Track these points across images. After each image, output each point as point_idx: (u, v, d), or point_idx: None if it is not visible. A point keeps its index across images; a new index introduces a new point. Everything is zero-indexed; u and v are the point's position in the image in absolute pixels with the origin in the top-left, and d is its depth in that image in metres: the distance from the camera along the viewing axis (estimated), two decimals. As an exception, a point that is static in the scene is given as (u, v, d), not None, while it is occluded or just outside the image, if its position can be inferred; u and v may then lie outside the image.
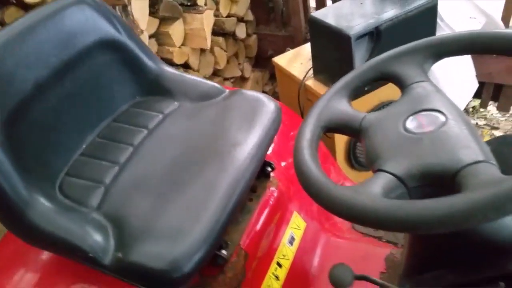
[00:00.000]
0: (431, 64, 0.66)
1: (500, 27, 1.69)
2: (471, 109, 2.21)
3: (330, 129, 0.65)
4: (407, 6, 1.39)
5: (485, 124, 2.13)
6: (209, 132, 0.95)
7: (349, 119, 0.63)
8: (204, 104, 1.05)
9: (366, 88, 1.36)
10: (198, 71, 1.85)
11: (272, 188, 1.09)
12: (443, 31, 1.59)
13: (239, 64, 2.16)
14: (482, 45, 0.61)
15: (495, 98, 2.04)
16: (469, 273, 0.58)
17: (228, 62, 2.04)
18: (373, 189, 0.50)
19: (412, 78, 0.62)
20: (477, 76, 1.85)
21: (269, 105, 1.00)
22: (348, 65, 1.34)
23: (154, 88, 1.06)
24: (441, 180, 0.49)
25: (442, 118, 0.54)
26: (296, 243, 1.14)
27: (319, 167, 0.57)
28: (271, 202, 1.07)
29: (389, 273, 1.07)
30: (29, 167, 0.81)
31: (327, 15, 1.42)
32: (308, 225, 1.20)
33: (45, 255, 0.92)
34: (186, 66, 1.80)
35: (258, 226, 1.02)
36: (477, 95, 2.06)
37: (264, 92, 2.34)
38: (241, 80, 2.21)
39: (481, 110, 2.20)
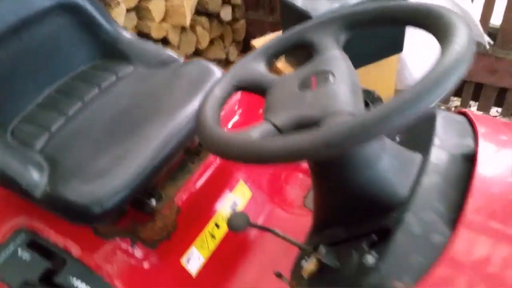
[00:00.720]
0: (345, 35, 0.71)
1: (475, 24, 1.71)
2: (453, 108, 2.23)
3: (241, 87, 0.71)
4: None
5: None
6: (155, 94, 1.03)
7: (260, 79, 0.69)
8: (158, 71, 1.13)
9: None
10: (178, 48, 1.92)
11: (216, 154, 1.16)
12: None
13: (224, 47, 2.22)
14: (390, 17, 0.65)
15: (476, 98, 2.05)
16: (353, 229, 0.64)
17: (212, 43, 2.11)
18: (250, 133, 0.57)
19: (325, 47, 0.68)
20: (455, 73, 1.87)
21: (216, 73, 1.07)
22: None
23: (113, 52, 1.15)
24: (308, 127, 0.55)
25: (331, 79, 0.60)
26: (238, 209, 1.22)
27: (213, 114, 0.63)
28: (213, 166, 1.15)
29: None
30: None
31: (299, -2, 1.48)
32: (254, 195, 1.28)
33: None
34: (165, 42, 1.87)
35: (197, 186, 1.10)
36: (458, 94, 2.08)
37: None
38: (226, 63, 2.28)
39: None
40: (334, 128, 0.46)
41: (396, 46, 1.65)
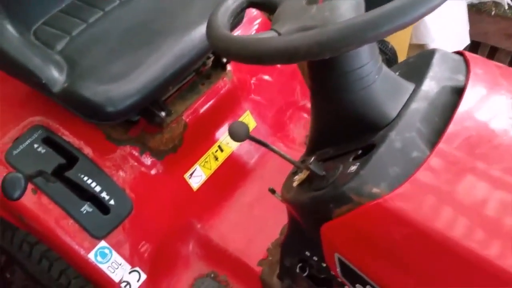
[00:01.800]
0: None
1: None
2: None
3: (253, 3, 0.74)
4: None
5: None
6: (172, 11, 1.06)
7: None
8: None
9: None
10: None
11: (226, 79, 1.20)
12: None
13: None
14: None
15: (489, 62, 2.04)
16: (343, 148, 0.69)
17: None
18: (255, 37, 0.61)
19: None
20: (471, 34, 1.86)
21: None
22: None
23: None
24: None
25: None
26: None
27: (223, 20, 0.67)
28: (222, 91, 1.19)
29: None
30: (8, 5, 0.94)
31: None
32: (258, 126, 1.33)
33: (15, 90, 1.07)
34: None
35: (204, 108, 1.15)
36: (472, 56, 2.07)
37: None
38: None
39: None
40: (326, 28, 0.50)
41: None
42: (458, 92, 0.66)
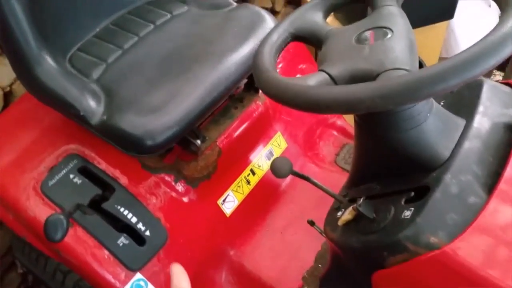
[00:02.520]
0: None
1: None
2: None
3: (298, 36, 0.72)
4: None
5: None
6: (207, 35, 1.04)
7: (317, 29, 0.70)
8: (211, 12, 1.12)
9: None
10: (225, -6, 1.89)
11: (259, 102, 1.18)
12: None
13: (271, -6, 2.17)
14: None
15: (520, 73, 1.99)
16: (392, 186, 0.67)
17: (258, -10, 2.06)
18: (306, 81, 0.58)
19: (383, 2, 0.67)
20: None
21: (269, 21, 1.07)
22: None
23: (169, -10, 1.15)
24: (363, 80, 0.56)
25: (389, 34, 0.61)
26: (273, 158, 1.25)
27: (270, 59, 0.65)
28: (255, 114, 1.17)
29: None
30: (46, 33, 0.93)
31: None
32: (289, 147, 1.31)
33: (51, 117, 1.06)
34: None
35: (238, 132, 1.13)
36: (501, 68, 2.02)
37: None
38: (272, 13, 2.23)
39: (506, 85, 2.16)
40: (391, 81, 0.47)
41: (447, 13, 1.59)
42: (511, 129, 0.63)
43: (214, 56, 0.98)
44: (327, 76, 0.59)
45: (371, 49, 0.59)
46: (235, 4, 1.16)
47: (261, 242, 1.15)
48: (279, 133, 1.28)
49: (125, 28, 1.08)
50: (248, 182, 1.19)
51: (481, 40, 0.47)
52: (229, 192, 1.14)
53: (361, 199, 0.64)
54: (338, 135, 1.46)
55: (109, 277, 0.91)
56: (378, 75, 0.56)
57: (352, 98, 0.49)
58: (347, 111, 0.51)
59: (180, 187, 1.05)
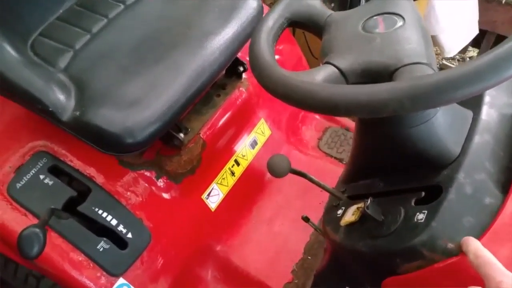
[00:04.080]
0: None
1: None
2: (468, 58, 2.18)
3: (295, 22, 0.64)
4: None
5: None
6: (184, 17, 0.95)
7: (316, 14, 0.63)
8: None
9: None
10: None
11: (242, 89, 1.11)
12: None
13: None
14: None
15: (493, 51, 2.00)
16: (397, 183, 0.62)
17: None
18: (314, 76, 0.52)
19: None
20: (479, 23, 1.80)
21: (251, 2, 0.98)
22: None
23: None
24: (380, 77, 0.51)
25: (400, 21, 0.55)
26: (257, 147, 1.19)
27: (270, 50, 0.58)
28: (238, 102, 1.10)
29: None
30: (2, 17, 0.82)
31: None
32: (273, 134, 1.25)
33: (14, 111, 0.95)
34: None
35: (221, 122, 1.06)
36: (476, 44, 2.02)
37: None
38: None
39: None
40: (421, 81, 0.41)
41: (427, -11, 1.56)
42: None
43: (194, 41, 0.90)
44: (336, 70, 0.53)
45: (383, 39, 0.53)
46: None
47: (248, 236, 1.11)
48: (262, 120, 1.22)
49: (92, 9, 0.97)
50: (233, 174, 1.13)
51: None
52: (214, 185, 1.08)
53: (369, 200, 0.59)
54: (320, 119, 1.42)
55: (90, 284, 0.84)
56: (396, 70, 0.50)
57: (376, 101, 0.43)
58: (369, 115, 0.45)
59: (162, 183, 0.97)
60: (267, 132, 1.23)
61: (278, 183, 1.21)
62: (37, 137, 0.91)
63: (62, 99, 0.80)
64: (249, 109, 1.16)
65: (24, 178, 0.86)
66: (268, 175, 1.21)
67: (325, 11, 0.63)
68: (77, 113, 0.79)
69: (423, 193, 0.56)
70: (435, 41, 1.78)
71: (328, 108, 0.46)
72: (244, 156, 1.16)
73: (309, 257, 1.09)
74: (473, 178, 0.53)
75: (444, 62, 2.17)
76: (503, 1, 1.77)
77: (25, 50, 0.87)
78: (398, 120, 0.55)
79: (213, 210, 1.07)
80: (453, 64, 2.18)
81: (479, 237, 0.49)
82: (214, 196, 1.08)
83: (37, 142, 0.91)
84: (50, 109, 0.79)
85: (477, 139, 0.56)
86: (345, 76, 0.53)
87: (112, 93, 0.81)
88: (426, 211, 0.53)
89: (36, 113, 0.82)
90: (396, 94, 0.42)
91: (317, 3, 0.65)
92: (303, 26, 0.66)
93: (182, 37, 0.91)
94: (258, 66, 0.54)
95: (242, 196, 1.14)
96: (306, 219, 0.91)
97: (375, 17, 0.58)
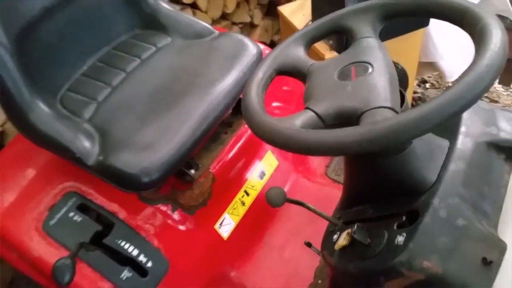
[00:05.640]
0: (382, 23, 0.74)
1: (495, 5, 1.69)
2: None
3: (282, 71, 0.74)
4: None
5: (485, 96, 2.16)
6: (192, 67, 1.07)
7: (300, 64, 0.72)
8: (194, 42, 1.16)
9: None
10: (206, 12, 1.92)
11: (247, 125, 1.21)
12: None
13: (249, 10, 2.21)
14: (426, 10, 0.68)
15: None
16: (383, 209, 0.70)
17: (238, 6, 2.10)
18: (294, 121, 0.61)
19: (361, 34, 0.70)
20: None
21: (252, 49, 1.10)
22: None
23: (151, 23, 1.18)
24: (350, 120, 0.59)
25: (369, 69, 0.63)
26: (266, 177, 1.29)
27: (259, 100, 0.67)
28: (244, 137, 1.21)
29: None
30: (35, 78, 0.96)
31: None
32: (280, 164, 1.34)
33: (46, 156, 1.09)
34: (194, 7, 1.88)
35: (229, 156, 1.17)
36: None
37: (272, 41, 2.40)
38: (250, 27, 2.26)
39: (485, 82, 2.23)
40: (376, 126, 0.50)
41: (422, 21, 1.65)
42: (493, 147, 0.67)
43: (201, 88, 1.02)
44: (314, 114, 0.61)
45: (354, 86, 0.62)
46: (217, 32, 1.19)
47: (260, 262, 1.19)
48: (269, 152, 1.32)
49: (112, 65, 1.11)
50: (243, 204, 1.22)
51: (458, 80, 0.50)
52: (225, 215, 1.17)
53: (355, 226, 0.67)
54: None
55: (115, 310, 0.94)
56: (362, 113, 0.58)
57: (340, 143, 0.52)
58: (337, 155, 0.54)
59: (177, 215, 1.08)
60: (275, 163, 1.33)
61: (288, 211, 1.30)
62: (67, 179, 1.04)
63: (87, 146, 0.93)
64: (255, 142, 1.26)
65: (56, 216, 0.98)
66: (277, 203, 1.31)
67: (308, 61, 0.72)
68: (101, 158, 0.91)
69: (404, 218, 0.63)
70: (436, 67, 1.86)
71: (303, 150, 0.55)
72: (253, 186, 1.25)
73: (320, 281, 1.15)
74: (447, 202, 0.59)
75: (450, 85, 2.23)
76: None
77: (55, 104, 1.00)
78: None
79: (225, 238, 1.16)
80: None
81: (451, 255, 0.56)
82: (226, 225, 1.17)
83: (67, 183, 1.04)
84: (77, 155, 0.91)
85: (452, 167, 0.63)
86: (322, 120, 0.61)
87: (130, 139, 0.94)
88: (405, 234, 0.60)
89: (66, 159, 0.95)
90: (355, 138, 0.51)
91: (301, 54, 0.75)
92: (289, 74, 0.75)
93: (190, 85, 1.03)
94: (248, 116, 0.63)
95: (253, 224, 1.23)
96: (308, 245, 0.99)
97: (348, 66, 0.67)
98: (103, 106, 1.02)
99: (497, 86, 2.21)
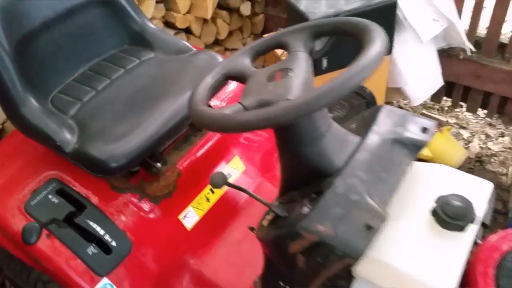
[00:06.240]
0: (313, 40, 0.90)
1: (459, 33, 1.86)
2: (446, 108, 2.38)
3: (229, 76, 0.90)
4: (370, 2, 1.62)
5: (455, 123, 2.30)
6: (169, 77, 1.25)
7: (245, 71, 0.88)
8: (174, 57, 1.34)
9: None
10: (199, 37, 2.13)
11: (216, 131, 1.37)
12: (405, 30, 1.79)
13: (243, 38, 2.42)
14: (341, 30, 0.85)
15: (465, 100, 2.20)
16: (303, 191, 0.84)
17: (232, 34, 2.31)
18: (226, 110, 0.76)
19: (294, 48, 0.86)
20: (445, 75, 2.03)
21: (220, 60, 1.27)
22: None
23: (139, 39, 1.37)
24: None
25: (290, 74, 0.79)
26: (232, 179, 1.43)
27: (202, 96, 0.83)
28: (212, 141, 1.36)
29: None
30: (31, 80, 1.14)
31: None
32: (247, 169, 1.48)
33: (35, 149, 1.25)
34: (189, 32, 2.09)
35: (197, 155, 1.32)
36: (450, 95, 2.24)
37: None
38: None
39: (456, 110, 2.36)
40: (275, 107, 0.66)
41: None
42: (398, 144, 0.82)
43: (174, 93, 1.19)
44: (241, 106, 0.76)
45: (275, 85, 0.78)
46: (194, 49, 1.37)
47: (219, 253, 1.31)
48: (237, 157, 1.46)
49: (99, 73, 1.29)
50: (208, 200, 1.36)
51: (341, 73, 0.65)
52: (190, 208, 1.31)
53: (276, 202, 0.82)
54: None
55: (80, 280, 1.07)
56: (274, 103, 0.74)
57: (245, 121, 0.68)
58: (246, 130, 0.70)
59: (144, 204, 1.22)
60: (242, 167, 1.47)
61: (250, 210, 1.43)
62: (51, 168, 1.20)
63: (67, 137, 1.10)
64: (224, 146, 1.41)
65: (37, 197, 1.14)
66: (241, 202, 1.45)
67: (251, 68, 0.87)
68: (77, 146, 1.07)
69: (314, 195, 0.78)
70: (401, 92, 2.02)
71: (222, 128, 0.72)
72: (219, 186, 1.39)
73: (270, 272, 1.27)
74: (346, 182, 0.74)
75: (424, 111, 2.38)
76: (461, 57, 2.00)
77: (46, 103, 1.18)
78: (295, 141, 0.79)
79: (189, 229, 1.30)
80: (433, 113, 2.38)
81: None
82: (191, 218, 1.31)
83: (50, 172, 1.20)
84: (58, 144, 1.08)
85: (357, 156, 0.77)
86: (246, 109, 0.77)
87: (105, 131, 1.10)
88: (310, 206, 0.75)
89: (48, 147, 1.11)
90: (256, 117, 0.67)
91: (247, 62, 0.90)
92: (235, 79, 0.91)
93: (165, 90, 1.20)
94: (190, 105, 0.80)
95: (216, 219, 1.36)
96: (252, 229, 1.12)
97: (276, 70, 0.83)
98: (86, 105, 1.19)
99: (466, 113, 2.35)
